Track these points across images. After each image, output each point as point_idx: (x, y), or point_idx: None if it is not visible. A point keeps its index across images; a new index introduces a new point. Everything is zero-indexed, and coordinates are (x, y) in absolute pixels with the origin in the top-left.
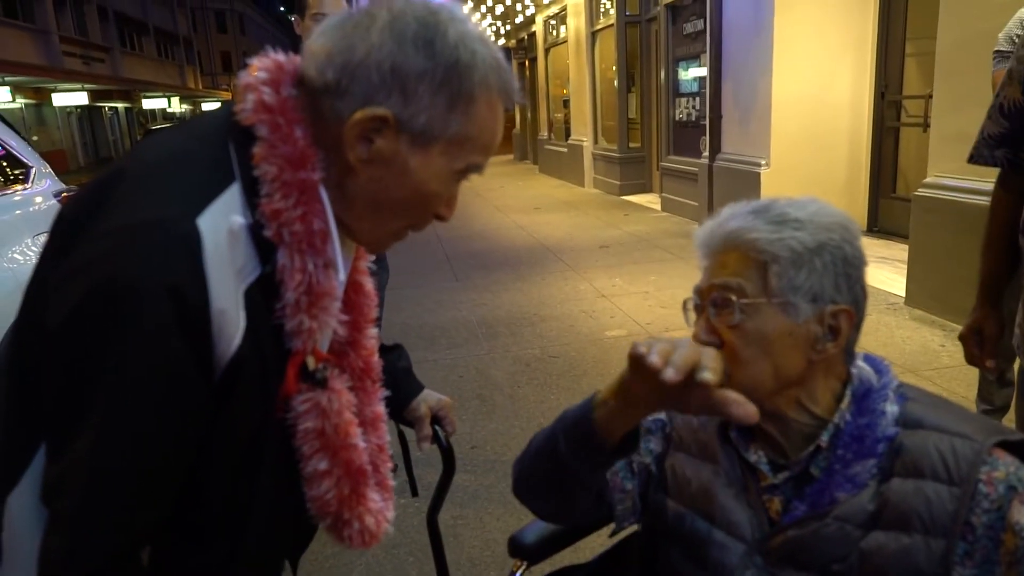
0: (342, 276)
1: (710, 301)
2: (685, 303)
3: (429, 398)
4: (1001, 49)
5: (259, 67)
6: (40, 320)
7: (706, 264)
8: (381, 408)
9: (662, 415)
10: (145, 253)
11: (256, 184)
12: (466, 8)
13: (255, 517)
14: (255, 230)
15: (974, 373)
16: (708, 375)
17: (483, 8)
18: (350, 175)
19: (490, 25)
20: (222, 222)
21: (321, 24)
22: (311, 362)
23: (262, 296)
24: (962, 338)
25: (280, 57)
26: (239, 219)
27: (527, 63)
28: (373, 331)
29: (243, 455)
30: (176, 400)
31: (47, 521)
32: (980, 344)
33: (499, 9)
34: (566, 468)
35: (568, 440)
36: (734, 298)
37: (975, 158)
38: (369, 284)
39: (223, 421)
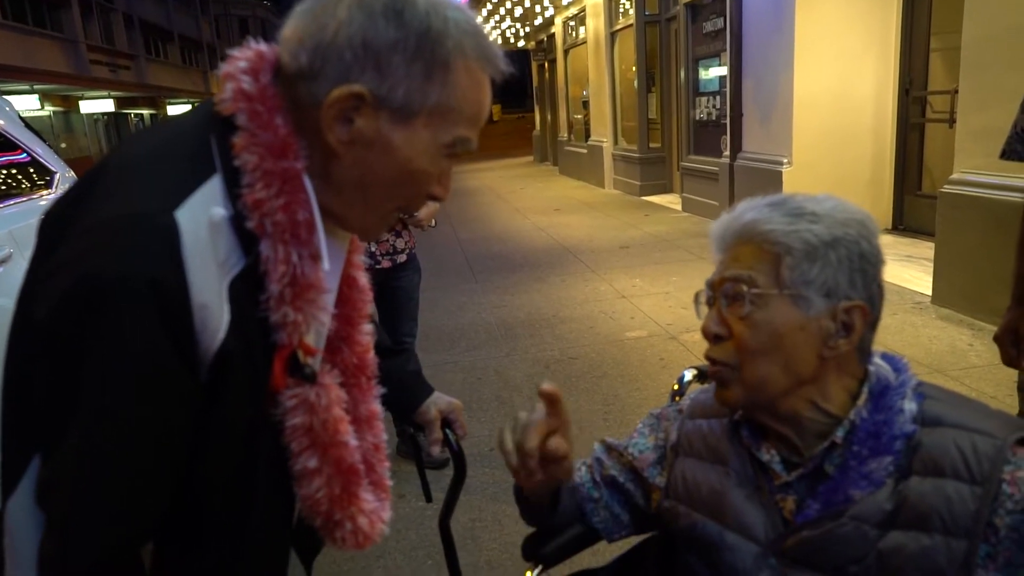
0: (326, 266)
1: (722, 292)
2: (697, 296)
3: (439, 401)
4: None
5: (239, 57)
6: (31, 320)
7: (720, 258)
8: (377, 406)
9: (656, 422)
10: (123, 247)
11: (237, 174)
12: (485, 10)
13: (254, 518)
14: (237, 221)
15: (1004, 373)
16: (509, 446)
17: (502, 11)
18: (334, 160)
19: (509, 27)
20: (202, 214)
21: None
22: (300, 356)
23: (247, 289)
24: (997, 339)
25: (261, 46)
26: (220, 211)
27: (546, 65)
28: (368, 327)
29: (238, 454)
30: (160, 394)
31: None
32: (1016, 344)
33: (518, 11)
34: (530, 507)
35: (517, 500)
36: (745, 288)
37: (1007, 153)
38: (363, 279)
39: (216, 419)
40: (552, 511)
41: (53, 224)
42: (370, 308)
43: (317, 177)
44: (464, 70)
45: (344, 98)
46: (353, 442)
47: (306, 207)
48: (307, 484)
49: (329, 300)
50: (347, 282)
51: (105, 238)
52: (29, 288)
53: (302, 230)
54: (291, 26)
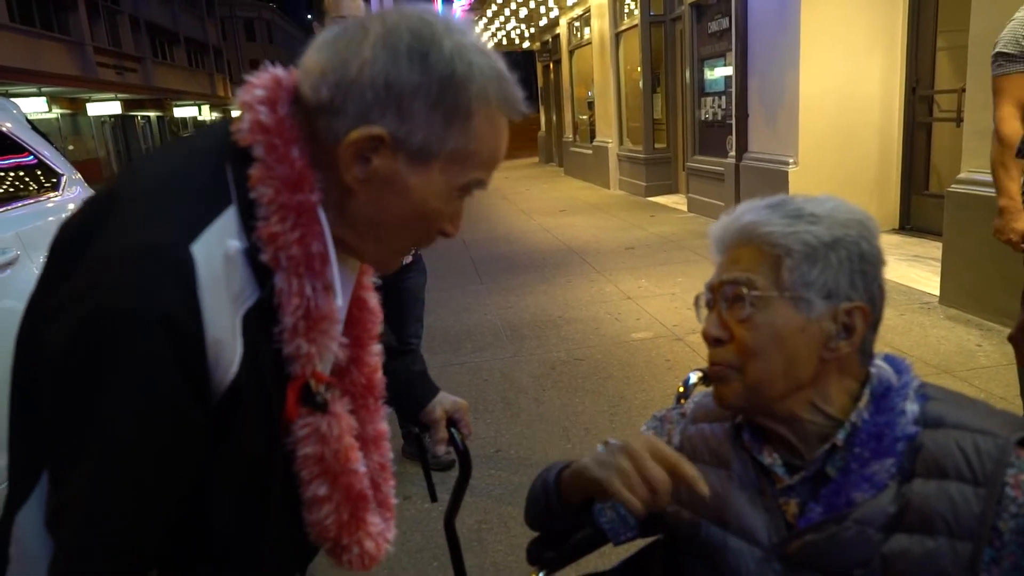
0: (339, 301)
1: (721, 295)
2: (697, 299)
3: (444, 401)
4: (1007, 52)
5: (256, 84)
6: (40, 343)
7: (720, 260)
8: (384, 426)
9: (660, 424)
10: (138, 282)
11: (253, 207)
12: (490, 12)
13: (264, 543)
14: (251, 254)
15: (1013, 373)
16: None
17: (507, 11)
18: (349, 196)
19: (514, 28)
20: (217, 247)
21: (317, 37)
22: (313, 385)
23: (260, 321)
24: (1012, 339)
25: (279, 72)
26: (235, 243)
27: (551, 65)
28: (376, 347)
29: (250, 482)
30: (170, 429)
31: (52, 548)
32: None
33: (523, 12)
34: (554, 511)
35: (546, 493)
36: (745, 291)
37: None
38: (374, 300)
39: (227, 449)
40: (581, 510)
41: (66, 248)
42: (380, 328)
43: (332, 210)
44: (485, 117)
45: (363, 139)
46: (362, 469)
47: (320, 239)
48: (316, 511)
49: (338, 330)
50: (357, 304)
51: (121, 269)
52: (39, 308)
53: (316, 262)
54: (313, 57)
